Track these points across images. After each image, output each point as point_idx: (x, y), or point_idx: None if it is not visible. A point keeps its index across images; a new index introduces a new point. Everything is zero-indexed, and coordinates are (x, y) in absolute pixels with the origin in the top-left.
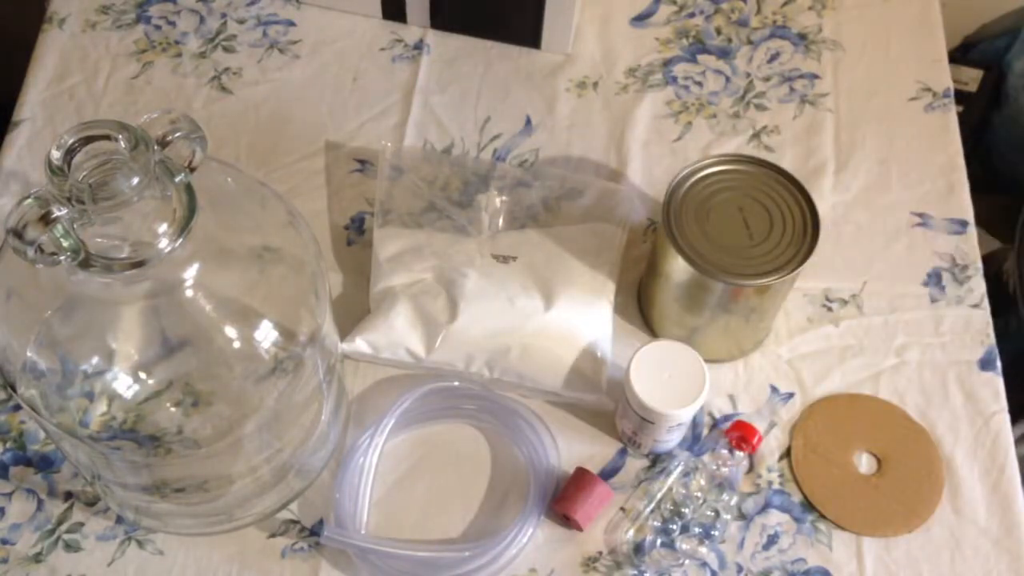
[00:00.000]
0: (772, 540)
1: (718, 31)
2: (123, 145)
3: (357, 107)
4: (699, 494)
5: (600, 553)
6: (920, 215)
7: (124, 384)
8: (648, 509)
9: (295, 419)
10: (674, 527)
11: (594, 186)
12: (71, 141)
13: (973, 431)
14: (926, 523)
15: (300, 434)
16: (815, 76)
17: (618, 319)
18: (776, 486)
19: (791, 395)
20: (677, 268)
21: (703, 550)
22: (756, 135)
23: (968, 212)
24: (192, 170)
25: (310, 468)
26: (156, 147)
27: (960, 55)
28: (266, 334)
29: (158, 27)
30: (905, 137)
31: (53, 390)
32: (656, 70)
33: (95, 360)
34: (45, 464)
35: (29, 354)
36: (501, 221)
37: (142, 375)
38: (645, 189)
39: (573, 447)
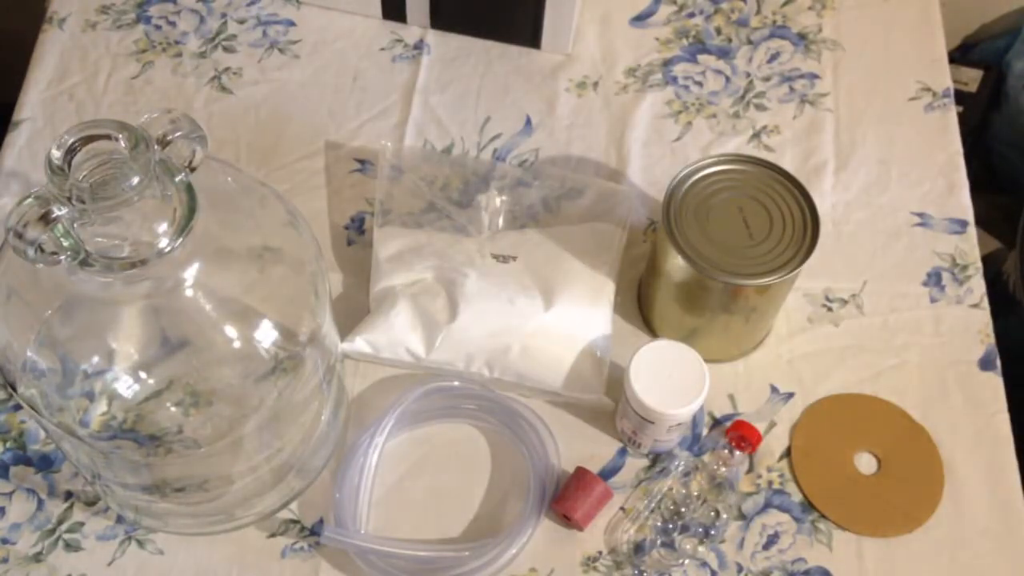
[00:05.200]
0: (772, 540)
1: (718, 31)
2: (123, 145)
3: (357, 107)
4: (699, 494)
5: (600, 553)
6: (920, 215)
7: (124, 384)
8: (648, 509)
9: (295, 419)
10: (674, 527)
11: (594, 186)
12: (71, 141)
13: (973, 431)
14: (926, 523)
15: (300, 434)
16: (815, 76)
17: (618, 319)
18: (776, 486)
19: (791, 395)
20: (677, 268)
21: (703, 550)
22: (756, 135)
23: (968, 212)
24: (192, 170)
25: (310, 468)
26: (156, 147)
27: (960, 55)
28: (266, 334)
29: (158, 27)
30: (905, 137)
31: (53, 390)
32: (656, 70)
33: (95, 360)
34: (45, 464)
35: (29, 354)
36: (501, 221)
37: (142, 375)
38: (645, 189)
39: (573, 447)
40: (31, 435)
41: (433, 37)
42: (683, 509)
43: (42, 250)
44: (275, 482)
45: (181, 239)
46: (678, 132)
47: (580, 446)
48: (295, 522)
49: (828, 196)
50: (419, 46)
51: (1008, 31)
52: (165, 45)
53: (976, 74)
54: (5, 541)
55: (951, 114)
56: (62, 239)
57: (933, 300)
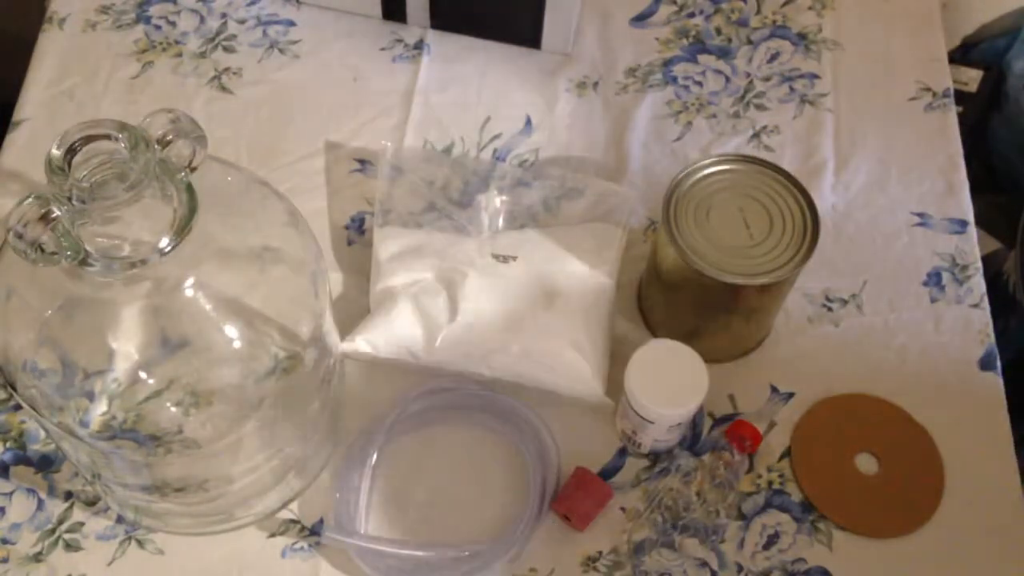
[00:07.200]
0: (772, 540)
1: (718, 31)
2: (123, 145)
3: (357, 107)
4: (699, 494)
5: (600, 553)
6: (920, 215)
7: (124, 384)
8: (648, 509)
9: (295, 419)
10: (674, 527)
11: (594, 186)
12: (71, 140)
13: (973, 431)
14: (926, 523)
15: (300, 434)
16: (815, 76)
17: (618, 319)
18: (776, 486)
19: (791, 395)
20: (677, 268)
21: (703, 550)
22: (756, 135)
23: (968, 212)
24: (192, 170)
25: (310, 468)
26: (156, 147)
27: (960, 55)
28: (266, 334)
29: (158, 27)
30: (905, 137)
31: (53, 390)
32: (656, 70)
33: (95, 360)
34: (45, 464)
35: (29, 354)
36: (501, 221)
37: (142, 375)
38: (645, 189)
39: (573, 447)
40: (31, 435)
41: (433, 37)
42: (683, 509)
43: (42, 250)
44: (275, 482)
45: (181, 239)
46: (678, 132)
47: (580, 446)
48: (295, 522)
49: (828, 196)
50: (419, 46)
51: (1008, 31)
52: (165, 45)
53: (976, 74)
54: (5, 541)
55: (951, 114)
56: (62, 239)
57: (933, 300)
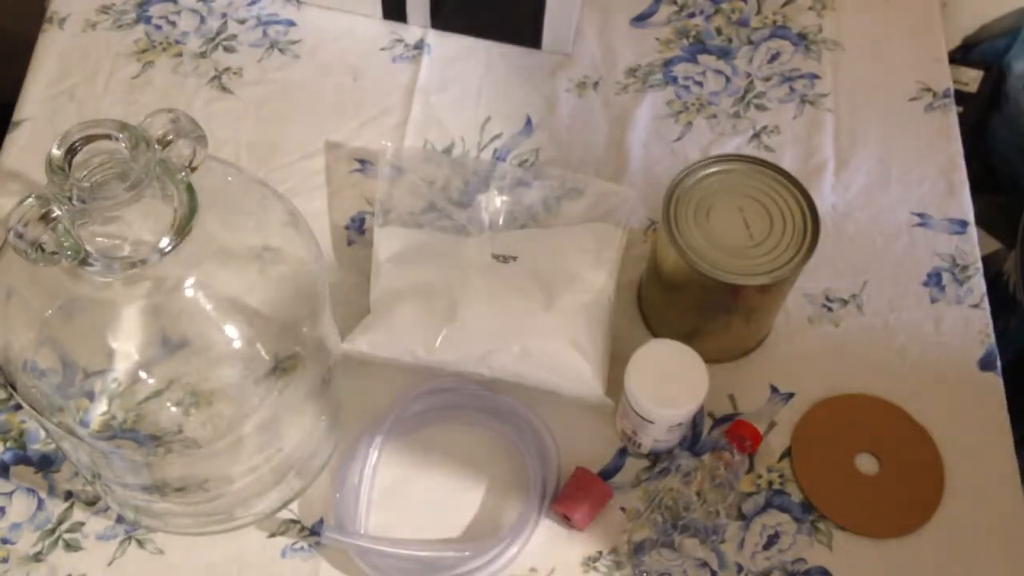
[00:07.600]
0: (772, 540)
1: (718, 31)
2: (123, 145)
3: (357, 107)
4: (699, 494)
5: (600, 553)
6: (920, 215)
7: (124, 384)
8: (648, 509)
9: (295, 419)
10: (674, 527)
11: (594, 186)
12: (72, 140)
13: (973, 431)
14: (926, 523)
15: (300, 434)
16: (815, 76)
17: (618, 319)
18: (776, 486)
19: (791, 395)
20: (677, 268)
21: (703, 550)
22: (756, 135)
23: (968, 212)
24: (192, 170)
25: (310, 468)
26: (156, 147)
27: (960, 55)
28: (266, 334)
29: (158, 27)
30: (905, 137)
31: (53, 390)
32: (656, 70)
33: (95, 360)
34: (45, 463)
35: (29, 354)
36: (501, 221)
37: (142, 375)
38: (645, 189)
39: (573, 447)
40: (31, 435)
41: (433, 37)
42: (683, 509)
43: (42, 250)
44: (275, 482)
45: (181, 239)
46: (678, 132)
47: (580, 446)
48: (295, 522)
49: (828, 196)
50: (419, 46)
51: (1008, 31)
52: (165, 45)
53: (976, 74)
54: (5, 541)
55: (951, 114)
56: (62, 239)
57: (933, 300)
